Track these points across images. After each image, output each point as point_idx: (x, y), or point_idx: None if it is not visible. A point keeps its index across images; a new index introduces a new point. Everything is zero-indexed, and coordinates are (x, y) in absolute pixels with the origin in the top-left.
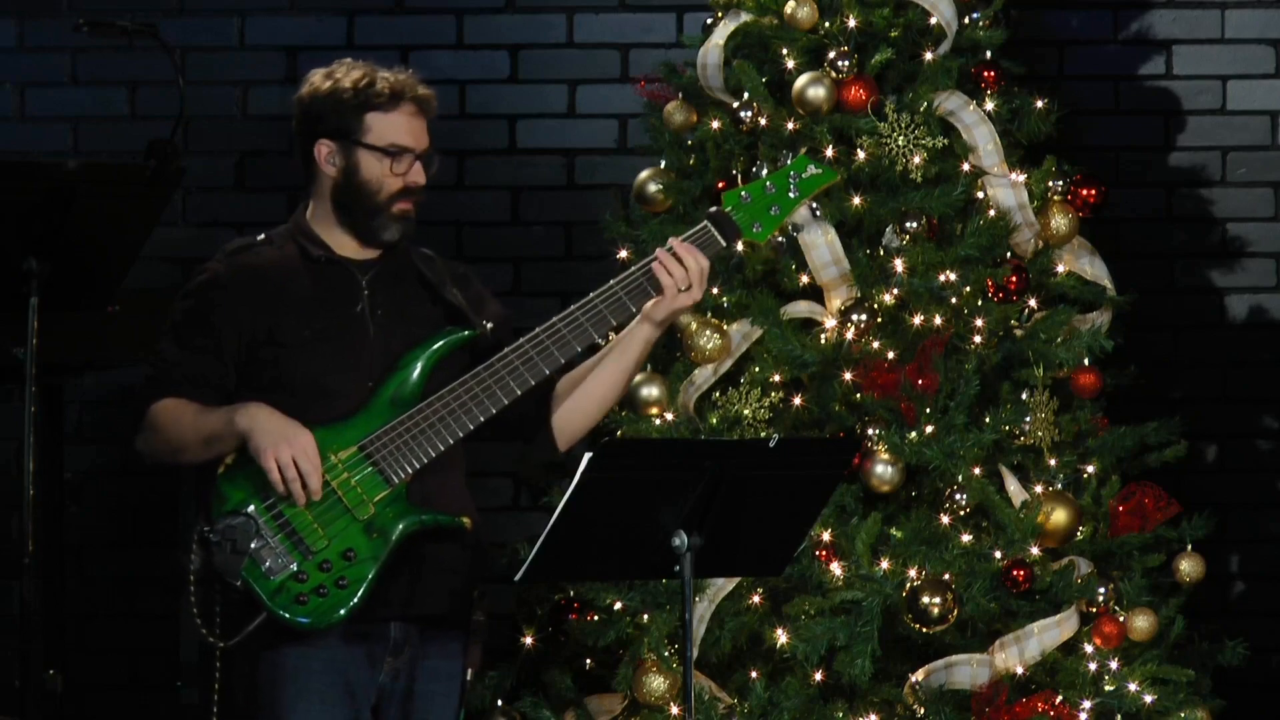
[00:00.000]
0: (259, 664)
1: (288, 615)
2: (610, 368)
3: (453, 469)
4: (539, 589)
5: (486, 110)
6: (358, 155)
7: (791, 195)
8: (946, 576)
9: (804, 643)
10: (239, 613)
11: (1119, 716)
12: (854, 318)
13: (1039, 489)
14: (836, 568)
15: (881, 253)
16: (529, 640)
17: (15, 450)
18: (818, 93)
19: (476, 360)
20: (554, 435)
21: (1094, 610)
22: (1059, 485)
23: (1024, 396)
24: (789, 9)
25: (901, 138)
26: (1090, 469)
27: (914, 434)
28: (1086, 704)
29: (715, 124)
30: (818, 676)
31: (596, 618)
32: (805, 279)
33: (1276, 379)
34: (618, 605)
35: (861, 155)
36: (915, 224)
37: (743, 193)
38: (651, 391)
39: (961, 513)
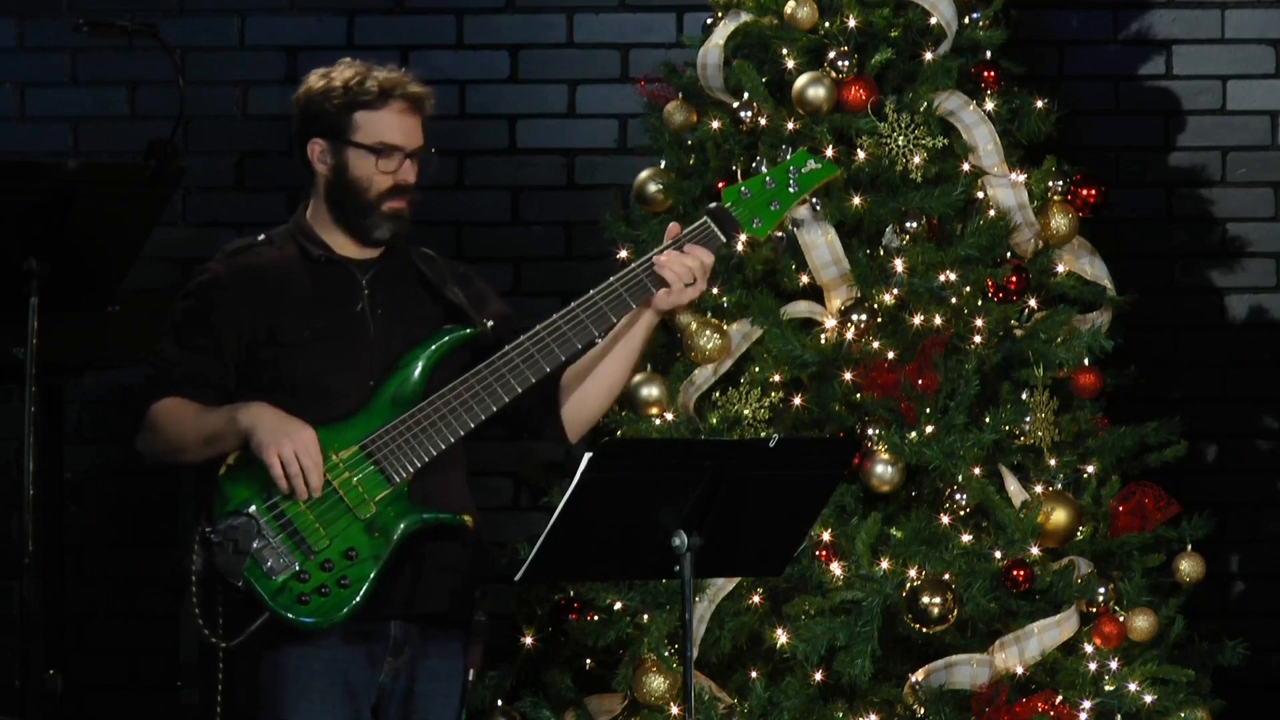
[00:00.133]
0: (260, 664)
1: (290, 615)
2: (617, 356)
3: (454, 468)
4: (539, 589)
5: (486, 110)
6: (347, 154)
7: (791, 190)
8: (946, 576)
9: (804, 643)
10: (241, 613)
11: (1119, 716)
12: (854, 318)
13: (1039, 489)
14: (836, 568)
15: (881, 253)
16: (529, 640)
17: (15, 450)
18: (818, 93)
19: (478, 359)
20: (564, 427)
21: (1094, 610)
22: (1059, 485)
23: (1024, 396)
24: (789, 9)
25: (901, 138)
26: (1090, 469)
27: (914, 434)
28: (1086, 704)
29: (715, 124)
30: (818, 676)
31: (596, 618)
32: (805, 279)
33: (1276, 379)
34: (618, 605)
35: (861, 155)
36: (915, 224)
37: (742, 188)
38: (651, 391)
39: (961, 513)
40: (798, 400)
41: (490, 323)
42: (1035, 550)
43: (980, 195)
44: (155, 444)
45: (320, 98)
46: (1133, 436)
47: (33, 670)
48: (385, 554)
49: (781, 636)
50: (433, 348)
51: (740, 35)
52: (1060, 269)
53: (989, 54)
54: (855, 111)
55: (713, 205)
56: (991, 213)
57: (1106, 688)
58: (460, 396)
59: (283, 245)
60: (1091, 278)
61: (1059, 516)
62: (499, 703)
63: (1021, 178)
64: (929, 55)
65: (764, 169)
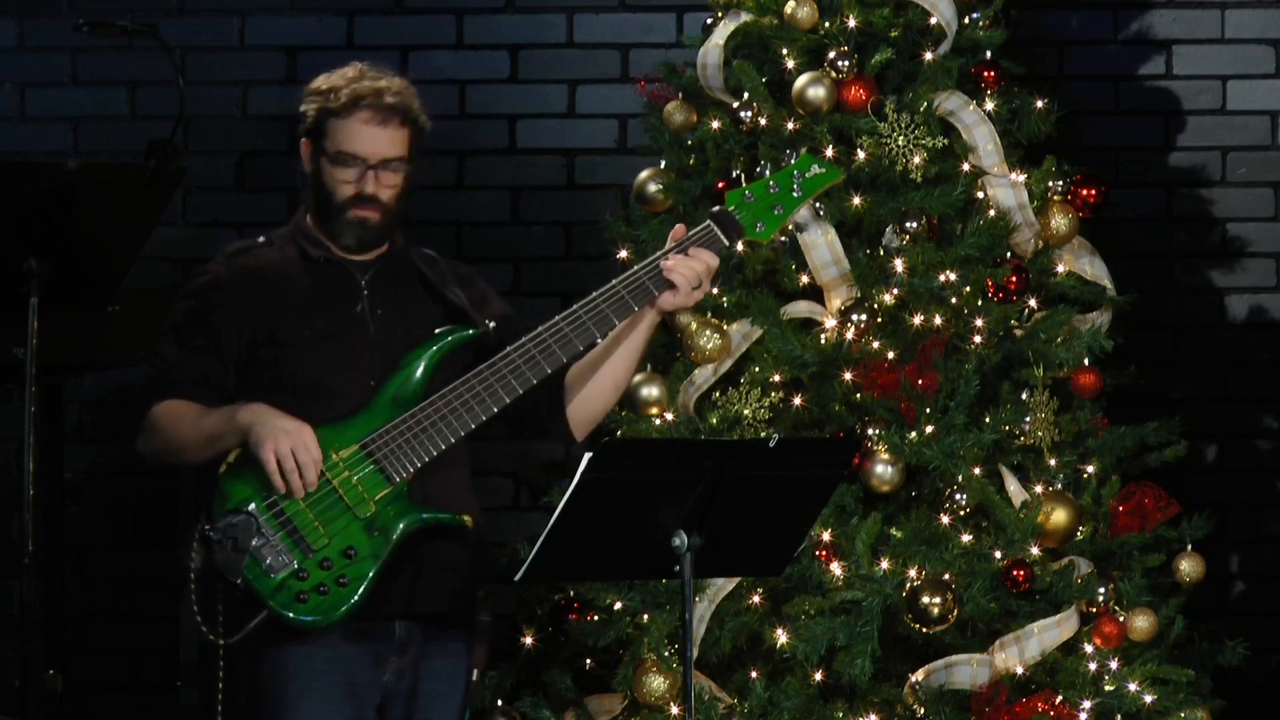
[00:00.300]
0: (261, 662)
1: (288, 613)
2: (621, 355)
3: (455, 468)
4: (539, 589)
5: (486, 110)
6: (320, 159)
7: (795, 194)
8: (946, 576)
9: (804, 643)
10: (240, 611)
11: (1119, 716)
12: (854, 318)
13: (1039, 489)
14: (836, 568)
15: (881, 253)
16: (529, 640)
17: (15, 450)
18: (818, 93)
19: (479, 359)
20: (569, 425)
21: (1094, 610)
22: (1059, 485)
23: (1024, 396)
24: (789, 9)
25: (901, 138)
26: (1090, 469)
27: (914, 434)
28: (1086, 704)
29: (715, 124)
30: (818, 676)
31: (596, 618)
32: (805, 279)
33: (1276, 379)
34: (618, 605)
35: (861, 155)
36: (915, 224)
37: (746, 192)
38: (651, 391)
39: (961, 513)
40: (798, 400)
41: (492, 324)
42: (1035, 550)
43: (980, 195)
44: (156, 445)
45: (307, 100)
46: (1133, 436)
47: (33, 670)
48: (384, 553)
49: (781, 636)
50: (434, 348)
51: (740, 35)
52: (1060, 269)
53: (989, 54)
54: (855, 111)
55: (716, 209)
56: (991, 213)
57: (1106, 688)
58: (461, 397)
59: (283, 246)
60: (1091, 278)
61: (1059, 516)
62: (499, 703)
63: (1021, 178)
64: (929, 55)
65: (767, 171)
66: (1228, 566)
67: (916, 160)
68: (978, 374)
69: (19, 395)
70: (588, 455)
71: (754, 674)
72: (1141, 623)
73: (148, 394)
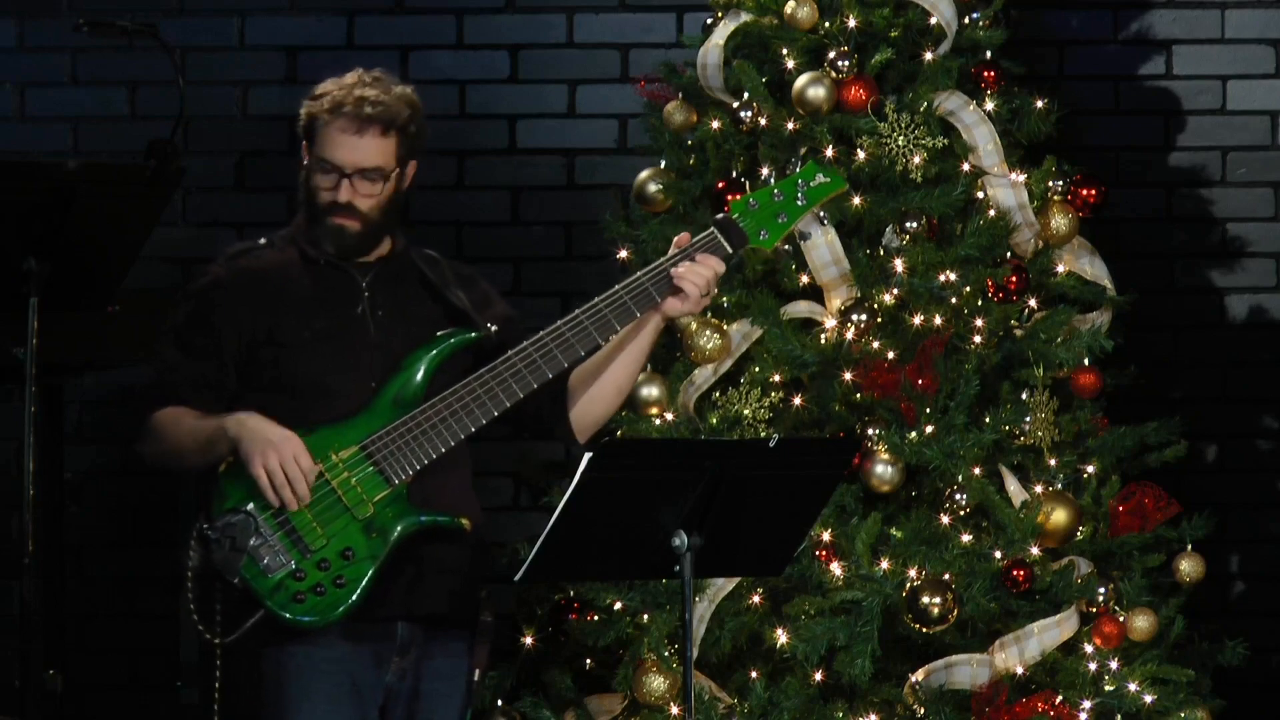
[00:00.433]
0: (263, 662)
1: (286, 614)
2: (625, 359)
3: (456, 469)
4: (539, 589)
5: (486, 110)
6: (306, 164)
7: (799, 203)
8: (946, 576)
9: (804, 643)
10: (238, 610)
11: (1119, 716)
12: (854, 318)
13: (1039, 489)
14: (836, 568)
15: (881, 253)
16: (529, 640)
17: (15, 450)
18: (818, 93)
19: (481, 362)
20: (572, 427)
21: (1094, 610)
22: (1059, 485)
23: (1024, 396)
24: (789, 9)
25: (901, 138)
26: (1090, 469)
27: (914, 434)
28: (1086, 704)
29: (715, 124)
30: (818, 676)
31: (596, 618)
32: (805, 279)
33: (1276, 379)
34: (618, 605)
35: (861, 155)
36: (915, 224)
37: (750, 200)
38: (651, 391)
39: (961, 513)
40: (798, 400)
41: (494, 326)
42: (1035, 550)
43: (980, 195)
44: (156, 450)
45: (304, 103)
46: (1133, 436)
47: (33, 670)
48: (382, 555)
49: (781, 636)
50: (435, 350)
51: (740, 35)
52: (1060, 269)
53: (989, 54)
54: (855, 111)
55: (720, 216)
56: (991, 213)
57: (1106, 688)
58: (462, 399)
59: (284, 248)
60: (1091, 278)
61: (1059, 516)
62: (499, 703)
63: (1021, 178)
64: (929, 55)
65: (765, 170)
66: (1228, 566)
67: (916, 160)
68: (978, 374)
69: (19, 395)
70: (588, 455)
71: (754, 674)
72: (1141, 623)
73: (149, 398)
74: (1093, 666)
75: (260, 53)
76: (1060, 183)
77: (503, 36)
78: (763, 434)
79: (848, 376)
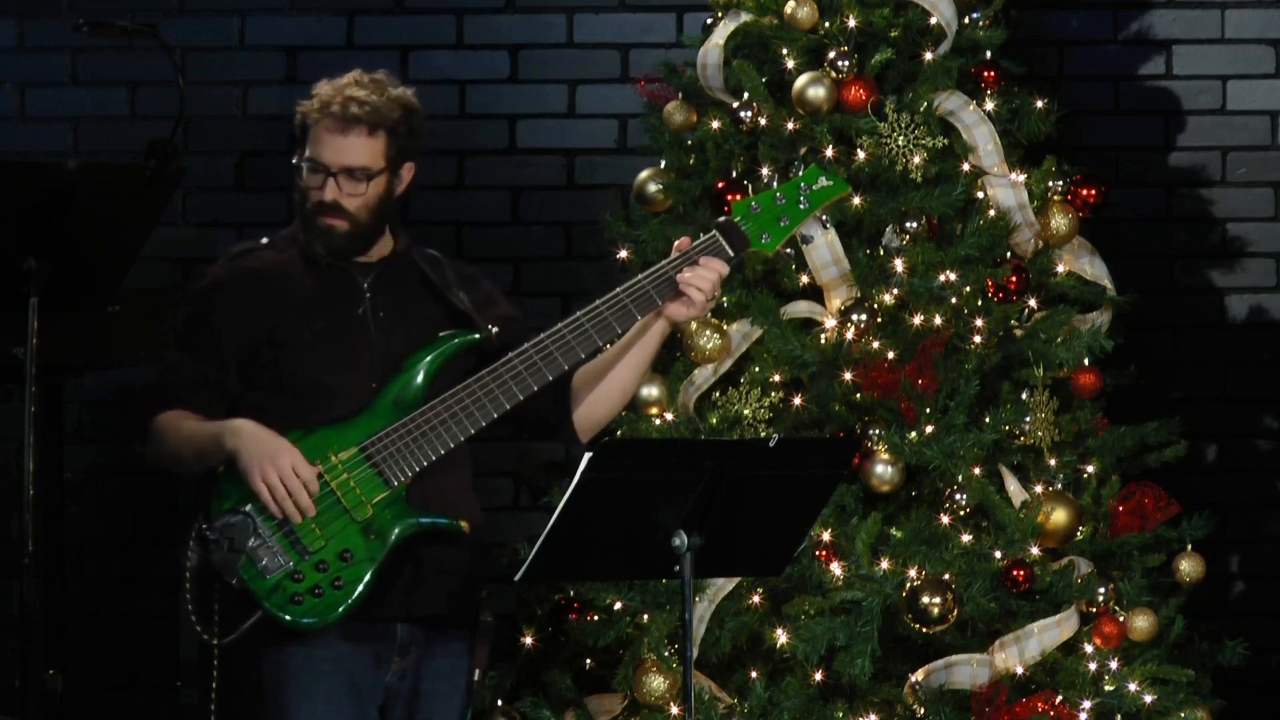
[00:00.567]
0: (263, 662)
1: (284, 615)
2: (630, 363)
3: (456, 470)
4: (539, 589)
5: (486, 110)
6: (295, 163)
7: (802, 207)
8: (946, 576)
9: (804, 643)
10: (236, 611)
11: (1119, 716)
12: (854, 318)
13: (1039, 489)
14: (836, 568)
15: (881, 253)
16: (529, 640)
17: (15, 450)
18: (818, 93)
19: (483, 363)
20: (576, 428)
21: (1094, 610)
22: (1059, 485)
23: (1024, 396)
24: (789, 9)
25: (901, 138)
26: (1090, 469)
27: (914, 434)
28: (1086, 704)
29: (715, 124)
30: (818, 676)
31: (596, 618)
32: (805, 279)
33: (1276, 379)
34: (618, 605)
35: (861, 155)
36: (915, 224)
37: (753, 203)
38: (651, 391)
39: (961, 513)
40: (798, 400)
41: (495, 328)
42: (1035, 550)
43: (980, 195)
44: (156, 453)
45: (299, 103)
46: (1133, 436)
47: (33, 670)
48: (381, 557)
49: (781, 636)
50: (436, 351)
51: (740, 35)
52: (1060, 269)
53: (989, 54)
54: (855, 111)
55: (722, 219)
56: (991, 213)
57: (1106, 688)
58: (462, 401)
59: (285, 248)
60: (1091, 278)
61: (1059, 516)
62: (499, 703)
63: (1021, 178)
64: (929, 55)
65: (765, 170)
66: (1228, 566)
67: (916, 160)
68: (978, 374)
69: (19, 395)
70: (588, 455)
71: (754, 674)
72: (1141, 623)
73: (151, 400)
74: (1093, 666)
75: (260, 53)
76: (1060, 183)
77: (503, 36)
78: (763, 434)
79: (848, 376)
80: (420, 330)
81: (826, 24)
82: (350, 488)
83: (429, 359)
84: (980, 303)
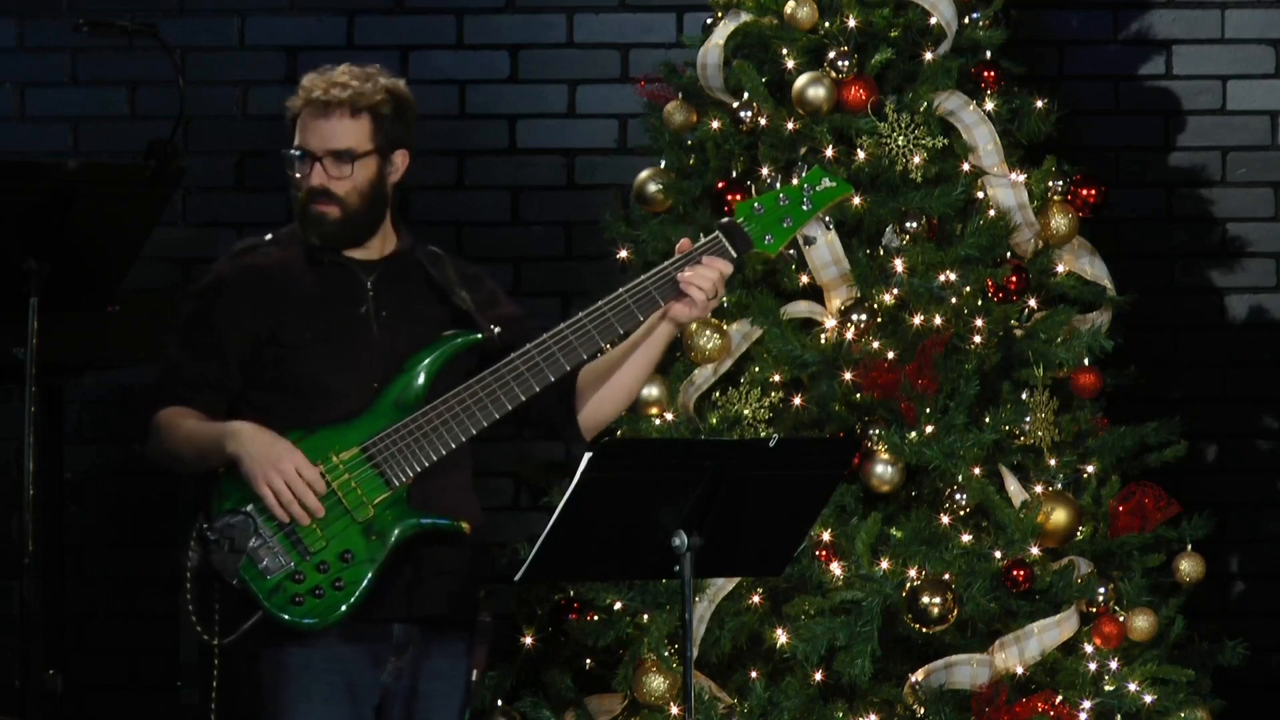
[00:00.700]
0: (261, 663)
1: (284, 615)
2: (635, 363)
3: (457, 471)
4: (539, 589)
5: (486, 110)
6: (283, 155)
7: (805, 208)
8: (946, 576)
9: (804, 643)
10: (237, 611)
11: (1119, 716)
12: (854, 318)
13: (1039, 489)
14: (836, 568)
15: (881, 253)
16: (529, 640)
17: (15, 450)
18: (818, 93)
19: (484, 364)
20: (580, 429)
21: (1094, 610)
22: (1059, 485)
23: (1024, 396)
24: (789, 9)
25: (901, 138)
26: (1090, 469)
27: (914, 434)
28: (1086, 704)
29: (715, 124)
30: (818, 676)
31: (596, 618)
32: (805, 279)
33: (1276, 379)
34: (618, 605)
35: (861, 155)
36: (915, 224)
37: (756, 204)
38: (651, 391)
39: (961, 513)
40: (798, 400)
41: (497, 329)
42: (1035, 550)
43: (980, 195)
44: (157, 451)
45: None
46: (1133, 436)
47: (33, 670)
48: (381, 557)
49: (781, 636)
50: (438, 352)
51: (740, 35)
52: (1060, 269)
53: (989, 54)
54: (855, 111)
55: (724, 220)
56: (991, 213)
57: (1106, 688)
58: (463, 402)
59: (288, 246)
60: (1091, 278)
61: (1059, 516)
62: (499, 703)
63: (1021, 178)
64: (929, 55)
65: (765, 170)
66: (1228, 566)
67: (916, 160)
68: (978, 374)
69: (19, 395)
70: (588, 455)
71: (754, 674)
72: (1141, 623)
73: (152, 398)
74: (1093, 666)
75: (260, 53)
76: (1060, 183)
77: (503, 36)
78: (763, 434)
79: (848, 376)
80: (423, 330)
81: (826, 24)
82: (351, 488)
83: (430, 359)
84: (980, 303)
